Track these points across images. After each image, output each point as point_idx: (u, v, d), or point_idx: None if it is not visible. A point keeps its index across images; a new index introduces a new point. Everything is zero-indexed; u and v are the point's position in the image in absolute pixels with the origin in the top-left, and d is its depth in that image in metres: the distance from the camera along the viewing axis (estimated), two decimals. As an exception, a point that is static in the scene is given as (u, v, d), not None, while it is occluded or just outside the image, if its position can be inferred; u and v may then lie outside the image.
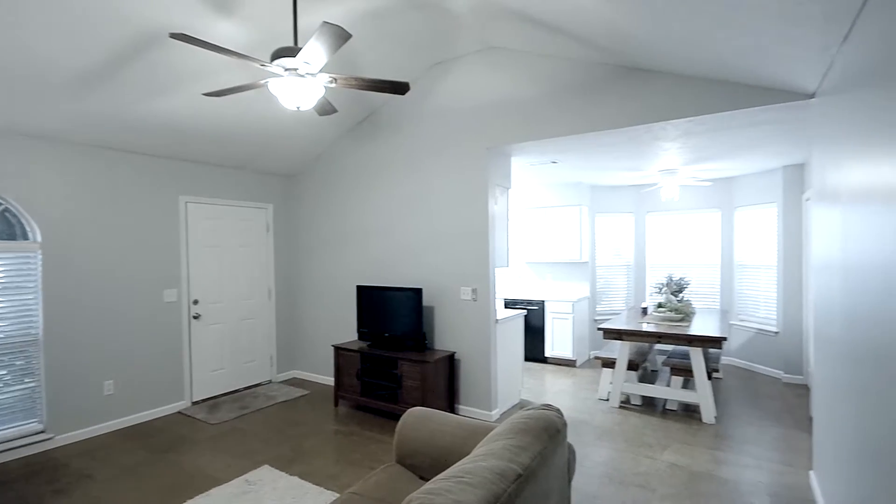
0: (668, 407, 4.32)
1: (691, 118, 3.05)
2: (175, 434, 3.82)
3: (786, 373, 5.17)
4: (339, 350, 4.41)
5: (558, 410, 1.90)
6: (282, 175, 5.40)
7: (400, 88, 2.48)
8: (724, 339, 3.86)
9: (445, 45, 3.79)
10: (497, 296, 6.53)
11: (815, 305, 2.86)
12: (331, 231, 5.10)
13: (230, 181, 4.88)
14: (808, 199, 4.74)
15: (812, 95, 2.69)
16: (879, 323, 1.56)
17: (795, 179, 5.10)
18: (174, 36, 1.82)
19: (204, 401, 4.60)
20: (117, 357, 3.97)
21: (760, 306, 5.58)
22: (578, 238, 6.17)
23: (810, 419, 3.96)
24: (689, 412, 4.20)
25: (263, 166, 5.04)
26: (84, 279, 3.76)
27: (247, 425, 3.99)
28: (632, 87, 3.23)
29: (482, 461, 1.45)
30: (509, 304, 6.38)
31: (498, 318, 4.19)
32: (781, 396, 4.66)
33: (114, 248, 3.95)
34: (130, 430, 3.93)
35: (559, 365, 6.04)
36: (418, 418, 2.30)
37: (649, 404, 4.42)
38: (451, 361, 4.12)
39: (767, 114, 2.98)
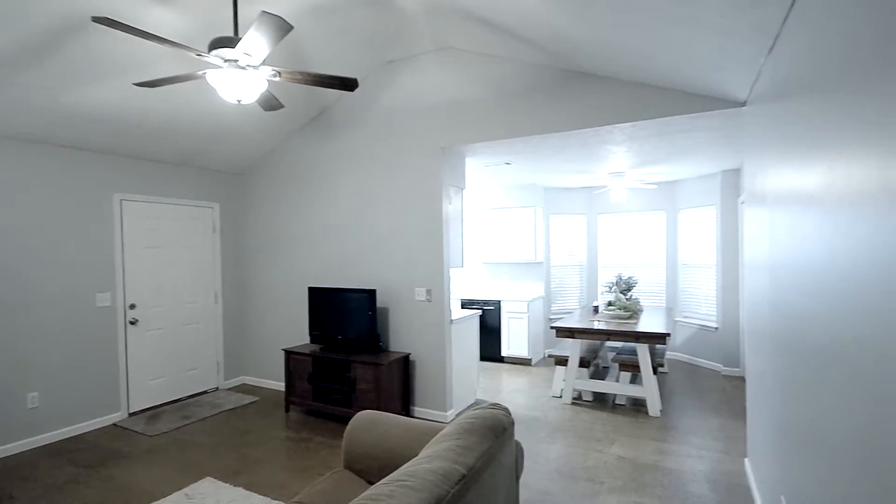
0: (617, 402, 4.47)
1: (634, 123, 3.16)
2: (108, 448, 3.56)
3: (725, 366, 5.47)
4: (290, 354, 4.27)
5: (506, 409, 1.91)
6: (229, 173, 5.18)
7: (348, 85, 2.42)
8: (668, 335, 4.03)
9: (398, 43, 3.75)
10: (453, 296, 6.55)
11: (747, 302, 3.04)
12: (282, 231, 4.94)
13: (171, 178, 4.62)
14: (742, 202, 5.04)
15: (743, 104, 2.86)
16: (798, 317, 1.67)
17: (732, 183, 5.42)
18: (97, 20, 1.69)
19: (143, 411, 4.32)
20: (42, 367, 3.65)
21: (702, 303, 5.89)
22: (533, 239, 6.29)
23: (745, 409, 4.21)
24: (637, 406, 4.36)
25: (208, 163, 4.81)
26: (3, 282, 3.44)
27: (189, 436, 3.78)
28: (578, 91, 3.32)
29: (426, 463, 1.43)
30: (466, 305, 6.41)
31: (453, 318, 4.19)
32: (721, 388, 4.93)
33: (38, 249, 3.64)
34: (58, 445, 3.63)
35: (515, 364, 6.13)
36: (367, 421, 2.26)
37: (600, 400, 4.56)
38: (405, 363, 4.08)
39: (703, 120, 3.14)
